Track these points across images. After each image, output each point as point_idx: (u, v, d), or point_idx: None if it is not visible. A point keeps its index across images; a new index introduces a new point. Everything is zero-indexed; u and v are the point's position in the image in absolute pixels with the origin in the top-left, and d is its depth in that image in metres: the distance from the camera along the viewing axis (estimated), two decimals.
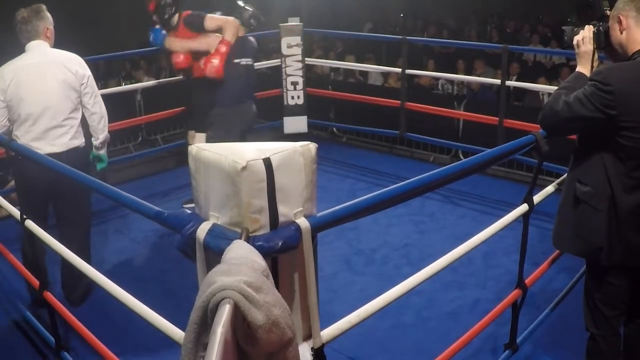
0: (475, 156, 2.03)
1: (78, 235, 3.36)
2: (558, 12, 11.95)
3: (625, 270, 2.24)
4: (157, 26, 4.46)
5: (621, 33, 2.15)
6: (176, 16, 4.42)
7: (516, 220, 2.43)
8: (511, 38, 10.41)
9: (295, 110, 5.95)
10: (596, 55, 2.30)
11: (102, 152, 3.44)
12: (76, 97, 3.19)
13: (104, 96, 4.77)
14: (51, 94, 3.11)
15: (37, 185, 3.12)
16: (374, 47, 9.99)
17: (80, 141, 3.24)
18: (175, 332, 1.72)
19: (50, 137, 3.13)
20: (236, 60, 4.37)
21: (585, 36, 2.29)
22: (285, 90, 5.92)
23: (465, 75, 7.50)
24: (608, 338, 2.30)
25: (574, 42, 2.33)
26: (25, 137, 3.12)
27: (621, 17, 2.13)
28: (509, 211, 2.46)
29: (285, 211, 1.42)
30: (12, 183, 4.85)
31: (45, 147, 3.09)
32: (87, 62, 3.23)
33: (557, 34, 10.53)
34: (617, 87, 2.02)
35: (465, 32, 11.60)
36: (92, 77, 3.26)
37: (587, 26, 2.30)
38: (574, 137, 2.36)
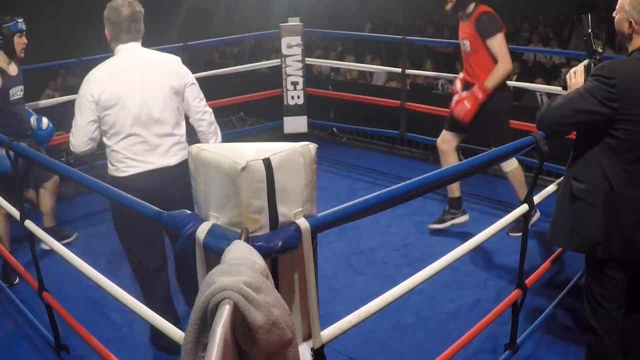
0: (475, 156, 2.02)
1: None
2: (558, 12, 11.97)
3: (625, 264, 2.26)
4: None
5: (629, 31, 2.19)
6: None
7: (516, 220, 2.43)
8: (511, 38, 10.41)
9: (295, 110, 5.95)
10: None
11: None
12: (181, 104, 2.76)
13: None
14: (154, 101, 2.66)
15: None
16: (374, 47, 10.00)
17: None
18: (175, 332, 1.72)
19: (161, 149, 2.71)
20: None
21: (577, 70, 2.39)
22: (285, 90, 5.92)
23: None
24: (609, 332, 2.33)
25: (567, 75, 2.43)
26: (129, 151, 2.68)
27: (632, 21, 2.17)
28: (509, 211, 2.46)
29: (285, 211, 1.42)
30: None
31: (157, 160, 2.69)
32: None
33: (557, 34, 10.56)
34: (621, 80, 2.08)
35: None
36: (193, 84, 2.82)
37: (580, 64, 2.41)
38: (573, 136, 2.38)
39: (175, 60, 2.80)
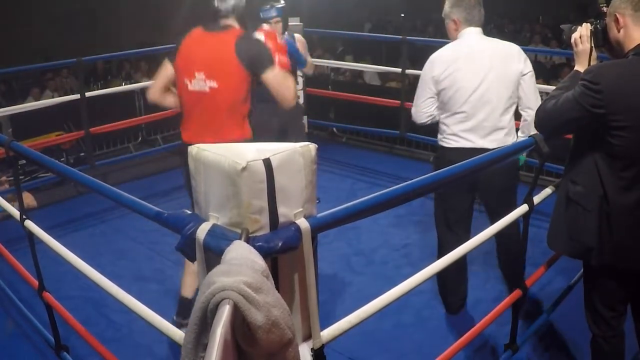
0: (476, 157, 2.02)
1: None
2: (558, 12, 11.97)
3: (620, 273, 2.22)
4: None
5: (618, 31, 2.14)
6: None
7: (516, 220, 2.43)
8: (511, 38, 10.42)
9: None
10: (594, 54, 2.29)
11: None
12: (512, 94, 2.97)
13: (104, 96, 4.75)
14: (489, 88, 2.92)
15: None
16: (374, 47, 10.01)
17: (513, 138, 3.02)
18: (175, 332, 1.72)
19: (483, 131, 2.97)
20: None
21: (582, 34, 2.28)
22: None
23: None
24: (609, 339, 2.30)
25: (572, 40, 2.32)
26: (455, 127, 3.00)
27: (618, 16, 2.12)
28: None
29: (285, 212, 1.42)
30: (3, 178, 4.85)
31: (477, 140, 2.98)
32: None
33: (557, 34, 10.56)
34: (606, 86, 2.01)
35: None
36: (530, 74, 2.99)
37: (584, 24, 2.29)
38: (570, 136, 2.37)
39: (511, 53, 2.98)
